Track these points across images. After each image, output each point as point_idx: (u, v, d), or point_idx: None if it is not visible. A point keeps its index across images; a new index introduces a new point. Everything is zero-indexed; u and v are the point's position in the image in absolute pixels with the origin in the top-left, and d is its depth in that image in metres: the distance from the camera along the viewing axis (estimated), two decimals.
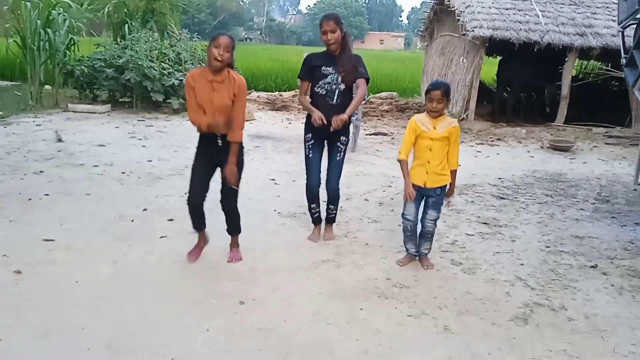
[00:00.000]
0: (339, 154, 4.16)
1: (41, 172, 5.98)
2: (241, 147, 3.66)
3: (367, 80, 4.03)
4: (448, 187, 3.87)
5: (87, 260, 3.81)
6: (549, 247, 4.53)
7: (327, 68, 3.95)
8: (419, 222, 3.94)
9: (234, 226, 3.92)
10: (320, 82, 3.97)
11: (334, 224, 4.51)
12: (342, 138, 4.13)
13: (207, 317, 3.14)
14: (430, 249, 4.03)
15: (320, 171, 4.19)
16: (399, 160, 3.82)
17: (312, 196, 4.28)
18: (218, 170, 3.68)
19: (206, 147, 3.63)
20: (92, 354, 2.73)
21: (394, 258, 4.12)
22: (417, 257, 4.04)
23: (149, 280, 3.57)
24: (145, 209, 4.93)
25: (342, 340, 2.97)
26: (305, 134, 4.18)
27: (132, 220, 4.63)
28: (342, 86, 3.97)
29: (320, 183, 4.20)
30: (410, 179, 3.78)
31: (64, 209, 4.81)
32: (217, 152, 3.57)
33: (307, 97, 4.10)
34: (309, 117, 4.07)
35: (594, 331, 3.20)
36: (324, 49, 4.02)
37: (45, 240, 4.09)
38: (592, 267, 4.15)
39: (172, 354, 2.76)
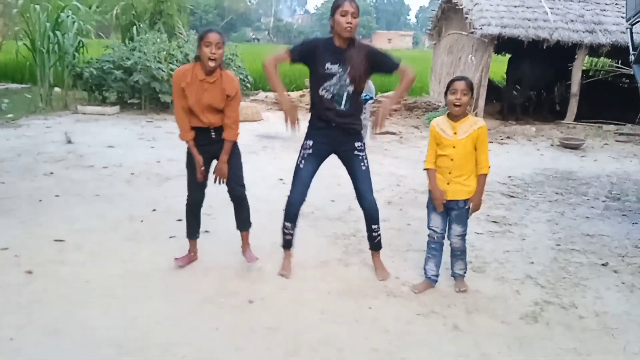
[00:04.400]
0: (361, 164, 3.55)
1: (51, 173, 6.03)
2: (236, 144, 3.56)
3: (398, 63, 3.35)
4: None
5: (97, 260, 3.84)
6: (559, 245, 4.50)
7: (333, 66, 3.31)
8: (446, 235, 3.55)
9: (244, 217, 3.71)
10: (325, 84, 3.33)
11: (381, 251, 3.81)
12: (357, 144, 3.52)
13: (215, 316, 3.15)
14: (465, 270, 3.62)
15: (307, 188, 3.58)
16: (425, 169, 3.46)
17: (290, 214, 3.64)
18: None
19: (199, 140, 3.50)
20: (102, 353, 2.75)
21: (402, 257, 4.11)
22: (453, 277, 3.66)
23: (158, 280, 3.58)
24: (154, 210, 4.95)
25: (351, 339, 2.97)
26: (306, 139, 3.55)
27: (142, 221, 4.66)
28: (351, 88, 3.35)
29: (303, 201, 3.61)
30: (438, 188, 3.37)
31: (74, 210, 4.85)
32: (210, 145, 3.48)
33: (275, 68, 3.40)
34: (312, 120, 3.55)
35: (605, 329, 3.17)
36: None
37: (56, 240, 4.12)
38: (602, 265, 4.11)
39: (181, 353, 2.77)
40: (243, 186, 3.64)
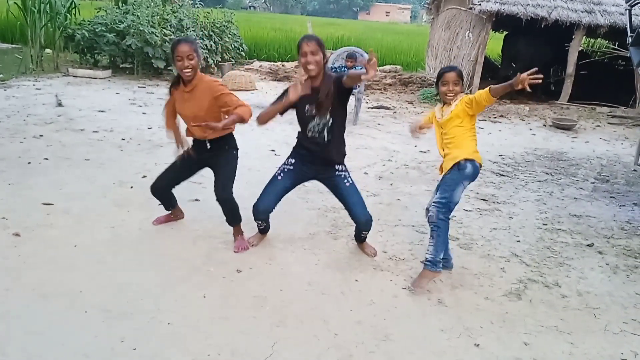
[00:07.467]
0: (345, 181, 3.51)
1: (41, 136, 5.97)
2: (235, 149, 3.61)
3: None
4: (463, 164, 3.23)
5: (85, 225, 3.83)
6: (546, 224, 4.54)
7: (311, 107, 3.31)
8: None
9: (232, 216, 3.64)
10: (310, 125, 3.35)
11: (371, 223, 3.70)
12: (338, 167, 3.49)
13: (203, 284, 3.17)
14: (431, 260, 3.22)
15: (278, 200, 3.57)
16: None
17: (256, 217, 3.62)
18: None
19: (196, 147, 3.61)
20: (89, 317, 2.76)
21: (391, 231, 4.13)
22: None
23: (147, 247, 3.59)
24: (144, 176, 4.92)
25: (337, 311, 3.00)
26: (289, 157, 3.58)
27: (131, 187, 4.64)
28: (330, 120, 3.31)
29: (271, 210, 3.59)
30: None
31: (63, 174, 4.81)
32: (204, 153, 3.56)
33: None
34: (297, 146, 3.55)
35: (587, 308, 3.23)
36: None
37: (44, 204, 4.10)
38: (588, 245, 4.17)
39: (168, 320, 2.79)
40: (230, 191, 3.56)
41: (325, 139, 3.37)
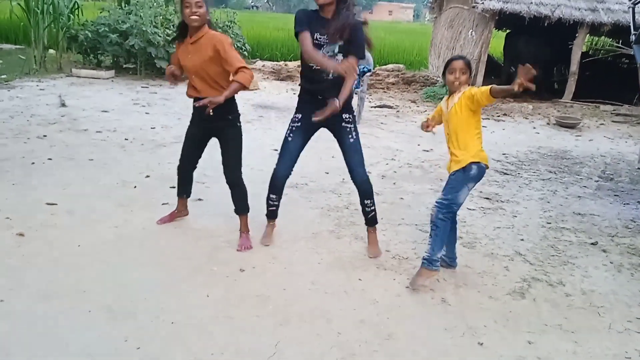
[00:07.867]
0: (350, 136, 3.48)
1: (44, 136, 5.98)
2: (238, 116, 3.56)
3: (358, 58, 3.27)
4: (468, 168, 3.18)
5: (89, 225, 3.84)
6: (550, 223, 4.53)
7: (321, 37, 3.25)
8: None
9: (240, 202, 3.69)
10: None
11: (376, 226, 3.75)
12: (345, 116, 3.44)
13: (207, 284, 3.17)
14: (427, 257, 3.23)
15: (294, 162, 3.60)
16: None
17: (274, 186, 3.67)
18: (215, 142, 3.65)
19: (198, 115, 3.57)
20: (93, 317, 2.77)
21: (394, 230, 4.13)
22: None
23: (150, 247, 3.59)
24: (147, 176, 4.93)
25: (340, 310, 3.00)
26: (295, 112, 3.55)
27: (135, 187, 4.65)
28: (340, 56, 3.28)
29: (289, 175, 3.63)
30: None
31: (66, 174, 4.82)
32: (209, 122, 3.44)
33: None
34: (301, 94, 3.56)
35: (591, 307, 3.22)
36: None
37: (48, 204, 4.11)
38: (592, 244, 4.15)
39: (172, 319, 2.79)
40: (239, 173, 3.63)
41: (331, 74, 3.26)
